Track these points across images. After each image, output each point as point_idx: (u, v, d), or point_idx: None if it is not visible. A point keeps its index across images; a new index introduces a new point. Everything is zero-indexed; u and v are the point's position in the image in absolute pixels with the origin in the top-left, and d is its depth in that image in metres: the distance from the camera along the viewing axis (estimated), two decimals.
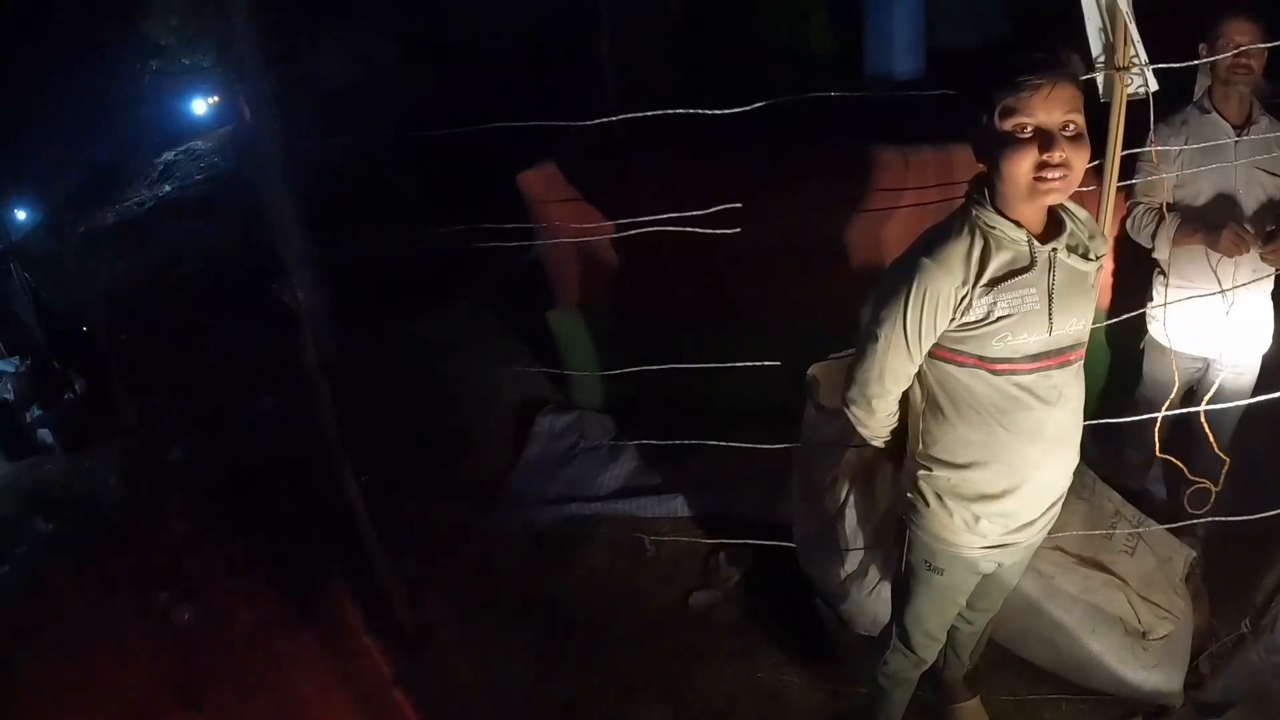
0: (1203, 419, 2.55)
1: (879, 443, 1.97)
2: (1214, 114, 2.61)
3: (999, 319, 1.64)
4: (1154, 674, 2.57)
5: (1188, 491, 2.58)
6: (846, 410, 1.91)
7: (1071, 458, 1.86)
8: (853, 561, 2.49)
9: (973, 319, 1.65)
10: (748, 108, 2.22)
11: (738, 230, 2.38)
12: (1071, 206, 1.72)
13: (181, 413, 4.96)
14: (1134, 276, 2.88)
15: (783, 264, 3.13)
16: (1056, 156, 1.52)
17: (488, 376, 3.76)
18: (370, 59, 8.57)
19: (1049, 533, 1.99)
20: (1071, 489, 2.56)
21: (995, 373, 1.69)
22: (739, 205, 2.38)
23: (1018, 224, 1.63)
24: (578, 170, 3.49)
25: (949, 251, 1.65)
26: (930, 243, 1.68)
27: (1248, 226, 2.56)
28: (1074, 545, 2.59)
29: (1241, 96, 2.58)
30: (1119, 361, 3.17)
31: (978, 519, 1.84)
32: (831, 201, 3.05)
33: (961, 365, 1.72)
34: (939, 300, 1.65)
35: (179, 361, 5.54)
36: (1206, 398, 2.60)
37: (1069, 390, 1.76)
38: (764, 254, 2.96)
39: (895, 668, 2.23)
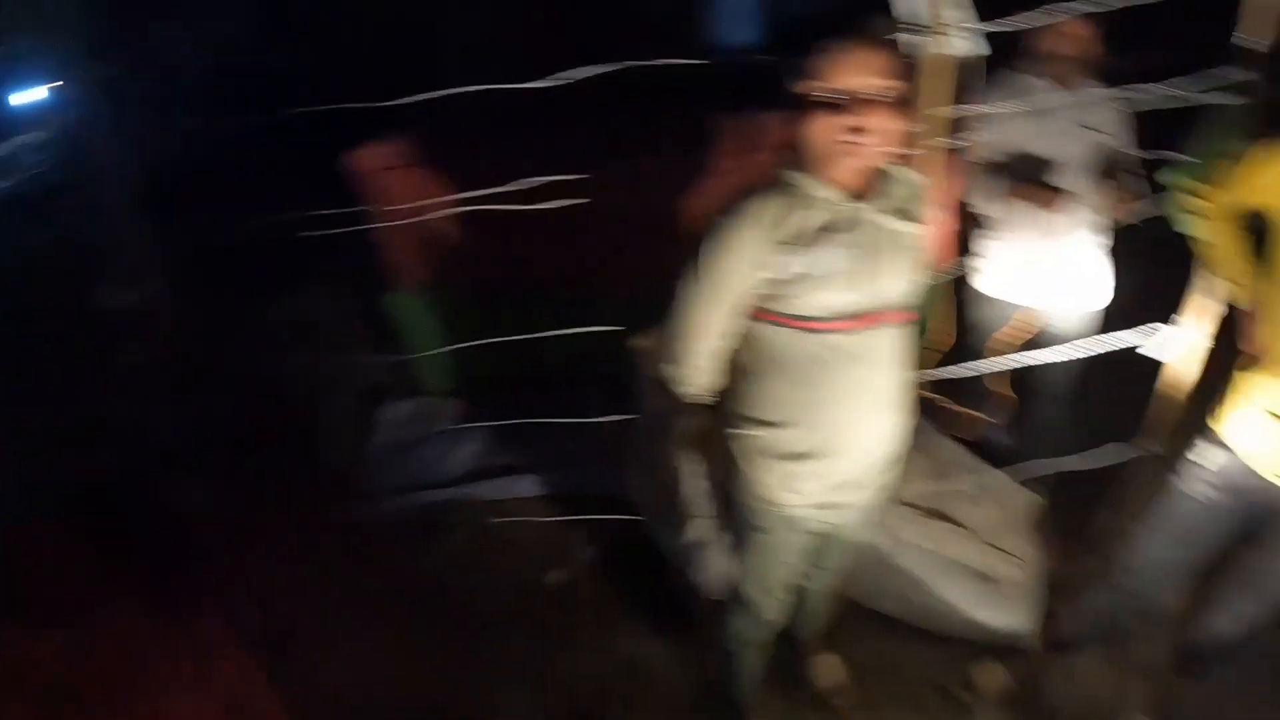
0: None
1: (700, 402, 1.94)
2: (1039, 77, 2.70)
3: (806, 277, 1.64)
4: (1005, 616, 2.66)
5: (957, 419, 2.66)
6: (665, 368, 1.88)
7: (891, 420, 1.86)
8: (698, 527, 2.48)
9: (780, 277, 1.65)
10: (560, 80, 2.17)
11: (567, 203, 2.34)
12: (895, 169, 1.73)
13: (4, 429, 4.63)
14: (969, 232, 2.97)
15: (622, 233, 3.11)
16: (861, 122, 1.54)
17: (338, 364, 3.63)
18: (222, 37, 8.13)
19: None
20: (913, 443, 2.64)
21: (805, 331, 1.69)
22: (565, 178, 2.35)
23: (831, 185, 1.64)
24: (413, 147, 3.39)
25: (756, 210, 1.65)
26: (740, 202, 1.67)
27: (1072, 181, 2.67)
28: (919, 499, 2.65)
29: (1068, 63, 2.68)
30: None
31: (794, 478, 1.84)
32: (665, 170, 3.02)
33: (773, 323, 1.71)
34: (744, 257, 1.65)
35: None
36: (1025, 340, 2.71)
37: (886, 351, 1.77)
38: (603, 223, 2.93)
39: (741, 630, 2.24)
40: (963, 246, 2.96)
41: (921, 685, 2.70)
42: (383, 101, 2.58)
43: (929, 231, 1.84)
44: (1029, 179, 2.65)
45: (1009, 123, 2.66)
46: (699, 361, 1.83)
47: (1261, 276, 2.05)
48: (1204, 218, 2.11)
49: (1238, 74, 2.15)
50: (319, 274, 4.35)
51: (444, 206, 2.99)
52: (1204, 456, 2.17)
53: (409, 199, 3.03)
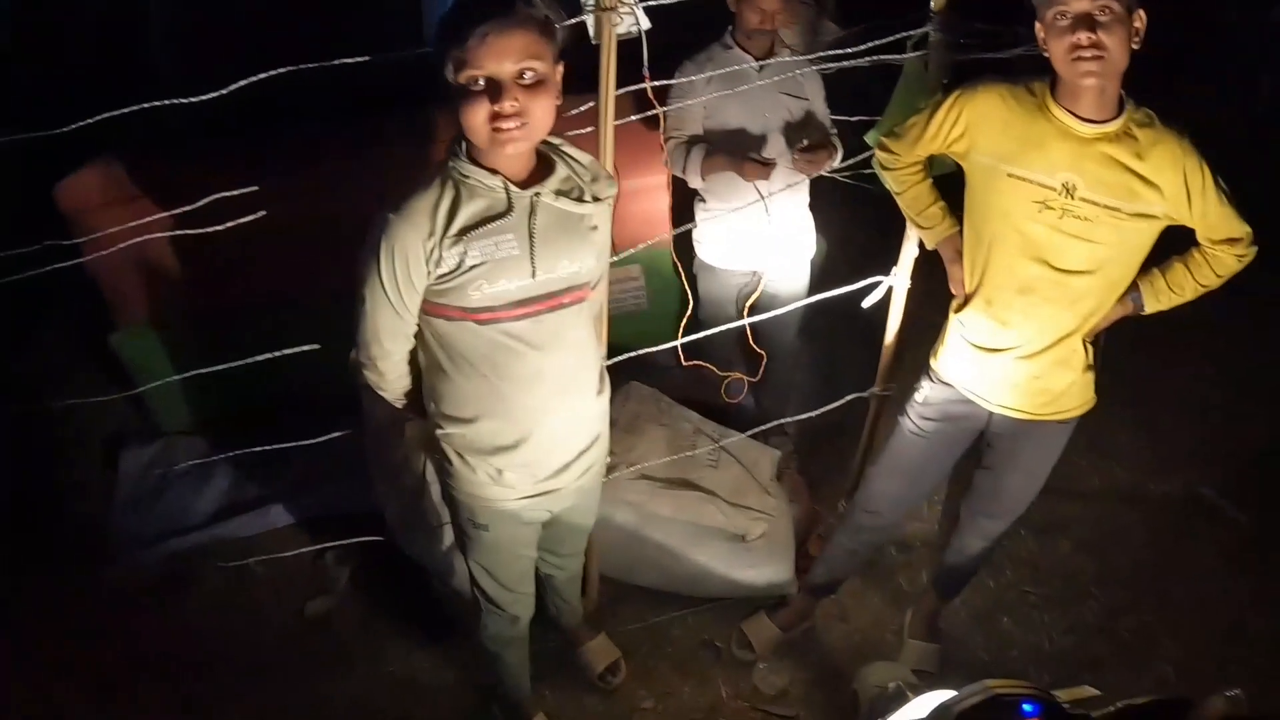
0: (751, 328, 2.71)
1: (402, 405, 1.91)
2: (736, 50, 2.76)
3: (472, 268, 1.61)
4: (763, 570, 2.75)
5: (723, 384, 2.74)
6: (365, 375, 1.83)
7: (584, 401, 1.87)
8: (449, 534, 2.43)
9: (446, 270, 1.61)
10: (225, 90, 2.05)
11: (250, 218, 2.23)
12: (570, 150, 1.73)
13: None
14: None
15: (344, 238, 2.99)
16: (508, 107, 1.49)
17: (71, 416, 3.35)
18: None
19: (629, 467, 2.02)
20: (649, 416, 2.66)
21: (481, 323, 1.67)
22: (254, 189, 2.23)
23: (494, 171, 1.61)
24: (126, 172, 3.16)
25: (414, 205, 1.60)
26: (397, 198, 1.62)
27: (775, 148, 2.75)
28: (660, 471, 2.69)
29: (764, 35, 2.75)
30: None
31: (501, 471, 1.83)
32: (363, 173, 2.94)
33: (449, 319, 1.68)
34: (408, 255, 1.60)
35: None
36: (749, 303, 2.79)
37: (569, 334, 1.77)
38: (326, 230, 2.83)
39: (493, 630, 2.22)
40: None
41: (697, 650, 2.77)
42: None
43: (608, 210, 1.84)
44: (735, 150, 2.71)
45: (711, 96, 2.72)
46: (390, 365, 1.80)
47: (957, 221, 2.19)
48: (892, 170, 2.21)
49: (931, 33, 2.24)
50: (38, 320, 4.04)
51: (154, 231, 2.78)
52: (922, 392, 2.29)
53: (122, 228, 2.82)
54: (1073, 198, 1.88)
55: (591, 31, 2.14)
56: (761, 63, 2.73)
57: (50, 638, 2.83)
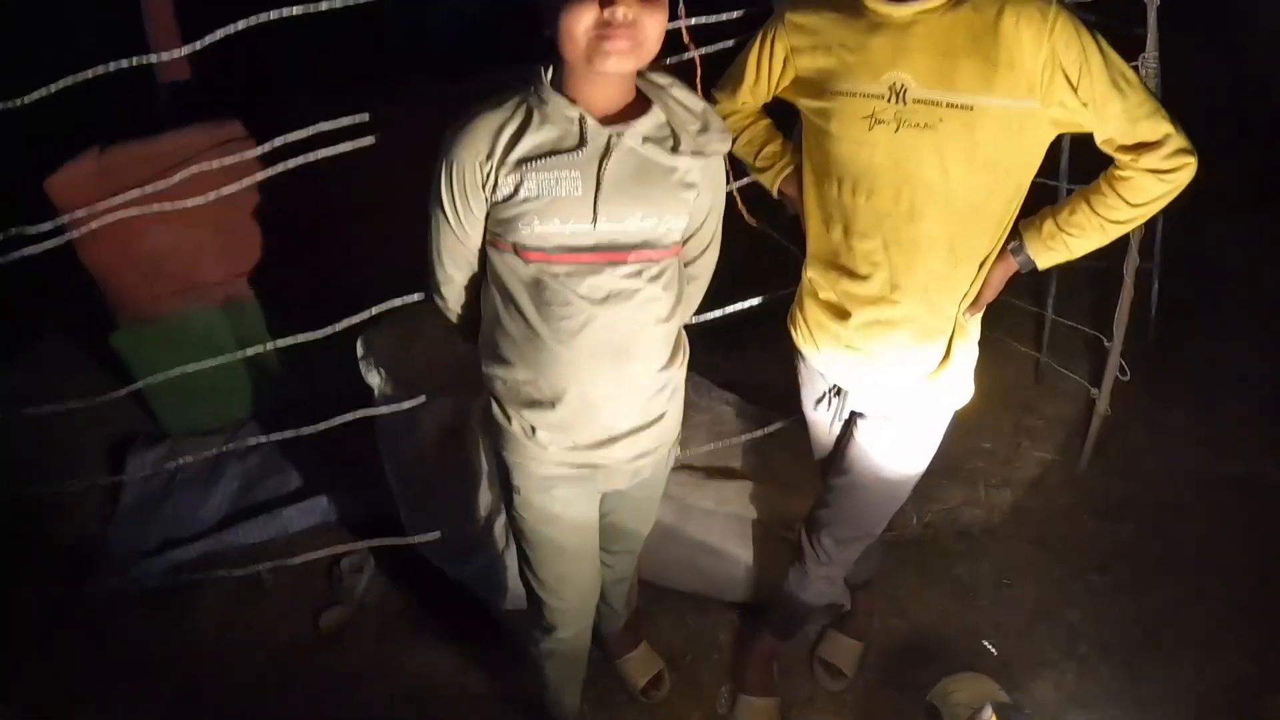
0: None
1: (460, 333, 1.81)
2: None
3: (525, 200, 1.46)
4: None
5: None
6: (434, 298, 1.76)
7: (637, 372, 1.63)
8: (479, 535, 2.23)
9: (500, 198, 1.48)
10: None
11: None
12: (680, 93, 1.54)
13: None
14: None
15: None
16: (620, 14, 1.33)
17: (73, 419, 3.15)
18: None
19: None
20: (685, 401, 2.45)
21: (526, 260, 1.52)
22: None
23: (573, 101, 1.45)
24: (121, 162, 2.95)
25: (478, 124, 1.48)
26: (462, 115, 1.51)
27: None
28: (700, 459, 2.47)
29: None
30: None
31: (534, 429, 1.65)
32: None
33: (500, 250, 1.55)
34: (465, 174, 1.49)
35: None
36: None
37: (632, 294, 1.55)
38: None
39: (548, 646, 2.02)
40: None
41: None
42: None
43: (716, 167, 1.62)
44: None
45: None
46: (452, 292, 1.71)
47: (800, 170, 1.85)
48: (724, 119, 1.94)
49: None
50: (33, 323, 3.84)
51: (159, 221, 2.59)
52: (800, 372, 2.03)
53: (124, 222, 2.62)
54: (904, 102, 1.53)
55: None
56: None
57: (44, 656, 2.65)
